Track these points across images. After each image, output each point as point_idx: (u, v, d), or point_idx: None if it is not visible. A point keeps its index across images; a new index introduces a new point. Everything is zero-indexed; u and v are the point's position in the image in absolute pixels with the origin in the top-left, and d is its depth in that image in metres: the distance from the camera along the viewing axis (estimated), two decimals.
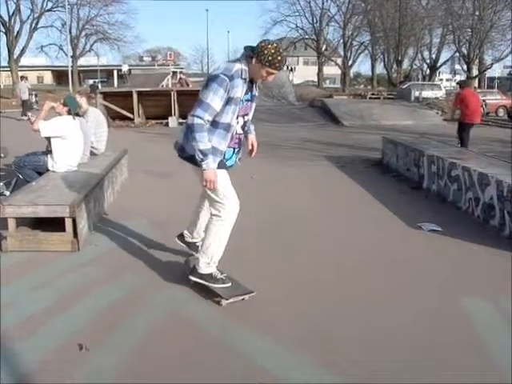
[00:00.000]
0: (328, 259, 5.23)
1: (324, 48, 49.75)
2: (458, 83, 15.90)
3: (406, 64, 49.40)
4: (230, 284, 4.16)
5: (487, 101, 29.72)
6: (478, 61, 35.00)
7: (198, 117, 3.82)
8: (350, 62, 49.07)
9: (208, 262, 4.14)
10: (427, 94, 34.01)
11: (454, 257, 5.41)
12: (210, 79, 3.86)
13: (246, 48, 3.93)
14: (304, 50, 57.24)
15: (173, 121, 19.87)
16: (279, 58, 3.80)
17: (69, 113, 7.02)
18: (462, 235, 6.01)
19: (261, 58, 3.78)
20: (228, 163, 4.15)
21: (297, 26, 50.01)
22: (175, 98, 20.20)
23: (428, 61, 46.95)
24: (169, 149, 4.45)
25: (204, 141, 3.81)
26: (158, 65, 65.12)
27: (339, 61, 48.60)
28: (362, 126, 20.25)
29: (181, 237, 4.82)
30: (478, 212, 6.75)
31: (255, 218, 6.35)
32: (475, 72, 34.90)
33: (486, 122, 25.10)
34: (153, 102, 20.38)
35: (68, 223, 5.23)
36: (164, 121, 19.98)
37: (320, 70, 48.04)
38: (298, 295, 4.33)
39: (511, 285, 4.54)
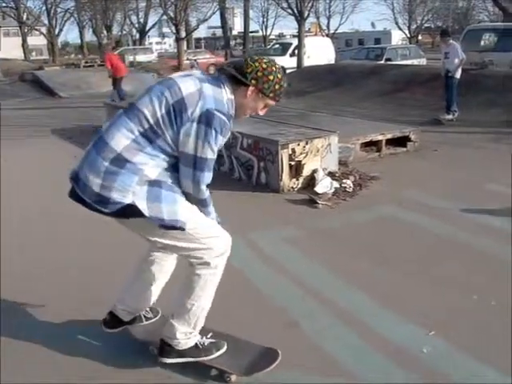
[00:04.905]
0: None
1: (25, 17, 46.48)
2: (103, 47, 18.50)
3: (115, 30, 49.13)
4: (225, 347, 2.84)
5: (198, 61, 31.39)
6: (184, 23, 36.44)
7: (207, 185, 2.60)
8: (57, 31, 46.80)
9: (190, 332, 2.75)
10: (141, 58, 34.59)
11: None
12: (203, 121, 2.42)
13: (227, 68, 2.59)
14: (2, 20, 52.80)
15: None
16: (285, 85, 2.61)
17: None
18: None
19: (264, 86, 2.53)
20: None
21: None
22: None
23: (137, 25, 47.29)
24: None
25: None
26: None
27: (44, 30, 46.02)
28: (81, 96, 19.70)
29: (112, 319, 3.02)
30: None
31: None
32: (183, 34, 36.33)
33: None
34: None
35: None
36: None
37: (24, 41, 44.89)
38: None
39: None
